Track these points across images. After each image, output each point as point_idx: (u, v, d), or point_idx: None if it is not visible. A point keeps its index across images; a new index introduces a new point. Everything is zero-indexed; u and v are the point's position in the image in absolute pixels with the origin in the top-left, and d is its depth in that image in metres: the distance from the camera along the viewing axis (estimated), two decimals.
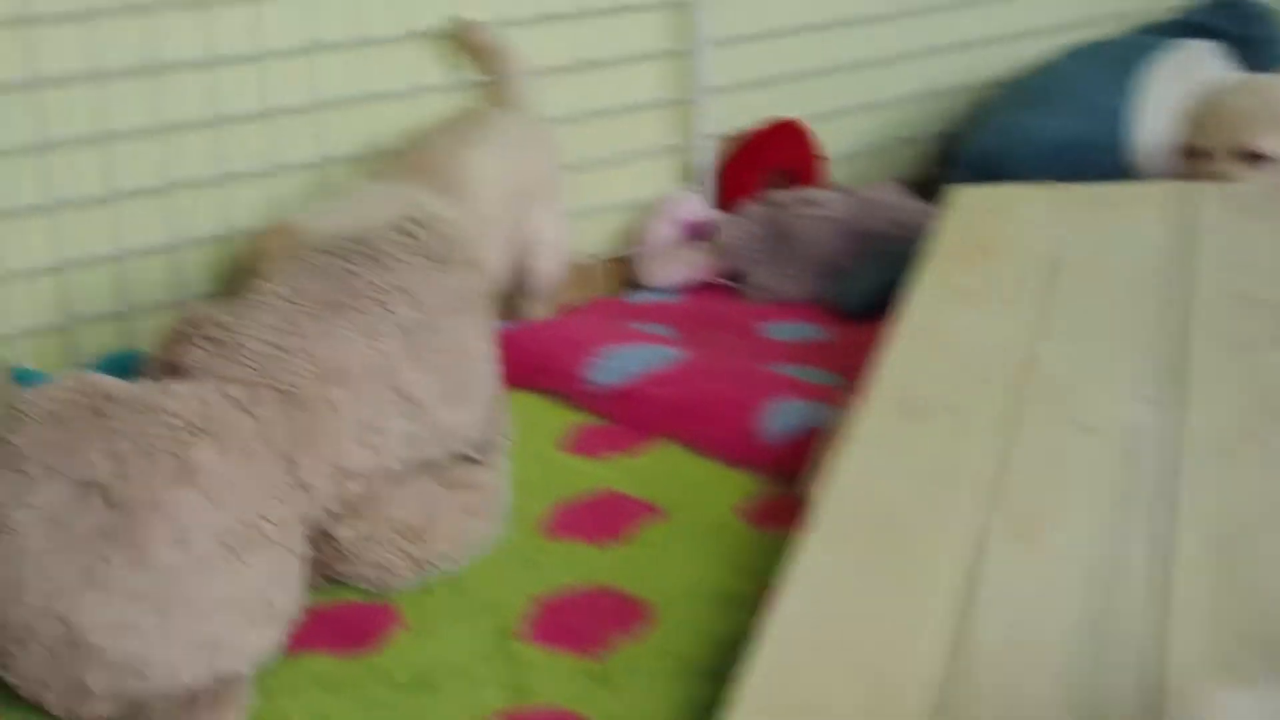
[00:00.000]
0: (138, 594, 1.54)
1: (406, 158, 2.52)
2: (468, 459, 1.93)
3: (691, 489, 2.11)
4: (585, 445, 2.26)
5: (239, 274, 2.34)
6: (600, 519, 2.03)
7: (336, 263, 1.80)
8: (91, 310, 2.37)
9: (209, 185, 2.46)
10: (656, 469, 2.18)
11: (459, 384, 1.83)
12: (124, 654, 1.54)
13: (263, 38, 2.46)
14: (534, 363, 2.43)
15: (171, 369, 1.79)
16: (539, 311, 2.71)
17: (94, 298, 2.38)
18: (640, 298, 2.95)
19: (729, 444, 2.19)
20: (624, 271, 3.07)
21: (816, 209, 2.92)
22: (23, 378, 1.94)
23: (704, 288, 2.95)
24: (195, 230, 2.46)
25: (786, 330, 2.71)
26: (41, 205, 2.30)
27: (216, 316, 1.78)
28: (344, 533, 1.78)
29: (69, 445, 1.58)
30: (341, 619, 1.80)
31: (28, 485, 1.56)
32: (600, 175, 2.98)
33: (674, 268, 2.97)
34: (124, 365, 2.08)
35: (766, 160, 3.12)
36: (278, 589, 1.64)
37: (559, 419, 2.36)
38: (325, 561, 1.80)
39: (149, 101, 2.36)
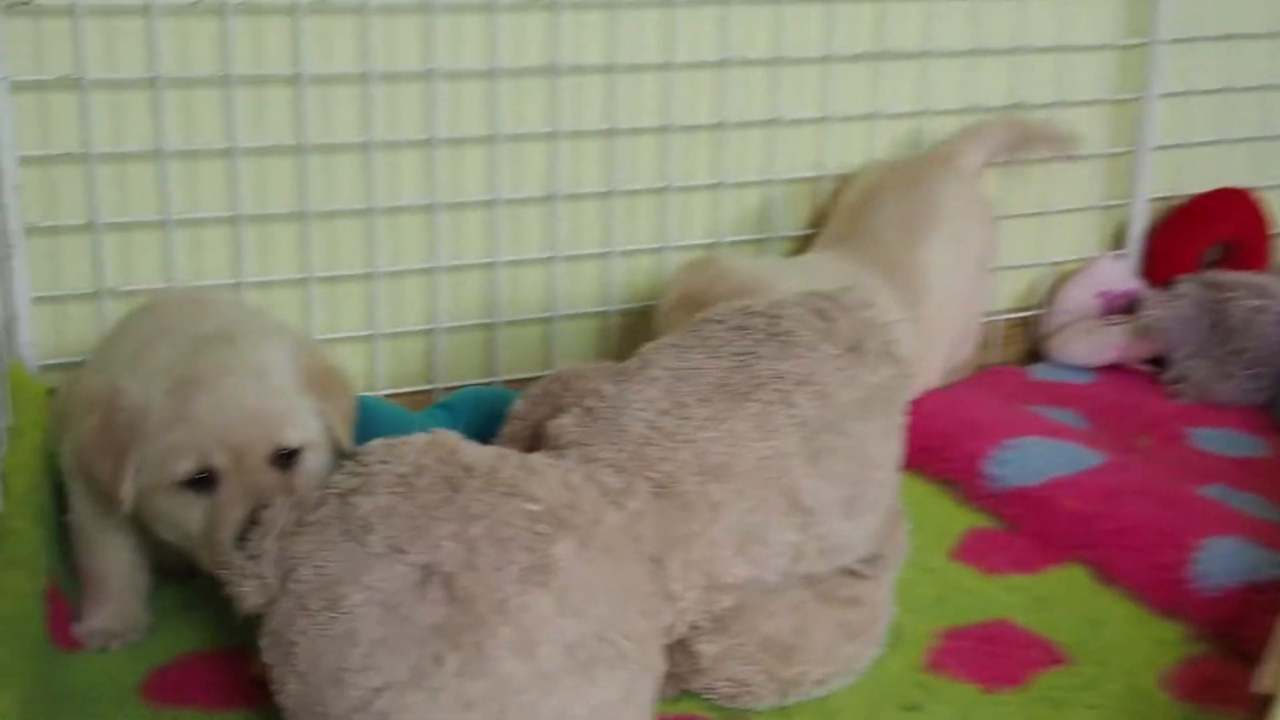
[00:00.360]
0: (469, 703, 1.33)
1: (857, 238, 2.32)
2: (851, 572, 1.65)
3: (1102, 635, 1.78)
4: (980, 555, 1.96)
5: (662, 314, 2.14)
6: (992, 657, 1.72)
7: (737, 340, 1.55)
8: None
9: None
10: (1061, 599, 1.86)
11: (858, 494, 1.56)
12: None
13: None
14: (929, 445, 2.14)
15: (536, 434, 1.57)
16: (942, 381, 2.42)
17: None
18: (1044, 373, 2.62)
19: (1152, 585, 1.85)
20: (1026, 337, 2.75)
21: (1264, 299, 2.52)
22: (372, 414, 1.75)
23: (1119, 371, 2.60)
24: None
25: (1219, 440, 2.33)
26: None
27: (596, 382, 1.55)
28: (705, 647, 1.53)
29: (418, 522, 1.37)
30: None
31: (367, 561, 1.37)
32: (1015, 225, 2.66)
33: (1088, 343, 2.63)
34: (485, 404, 1.89)
35: (1209, 232, 2.74)
36: (626, 711, 1.40)
37: (952, 518, 2.06)
38: (676, 673, 1.55)
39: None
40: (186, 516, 1.60)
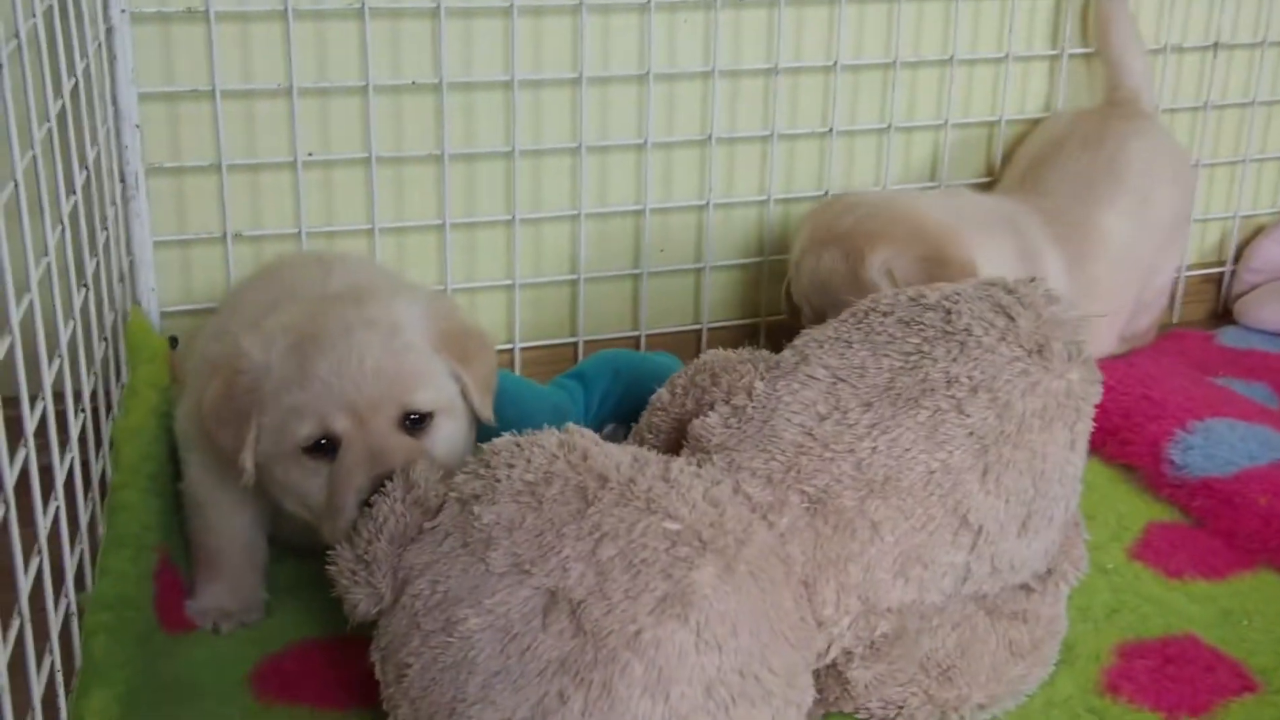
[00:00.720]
0: None
1: (1030, 190, 2.17)
2: (1023, 585, 1.48)
3: None
4: (1162, 555, 1.77)
5: (793, 260, 1.98)
6: (1174, 681, 1.54)
7: (907, 336, 1.37)
8: None
9: None
10: (1252, 612, 1.67)
11: (1035, 511, 1.38)
12: None
13: None
14: (1107, 424, 1.94)
15: (679, 428, 1.42)
16: (1119, 348, 2.22)
17: None
18: (1232, 339, 2.39)
19: None
20: (1213, 296, 2.52)
21: None
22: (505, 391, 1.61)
23: None
24: None
25: None
26: None
27: (747, 377, 1.39)
28: (858, 674, 1.38)
29: (545, 539, 1.24)
30: None
31: (487, 581, 1.23)
32: (1206, 174, 2.44)
33: None
34: (623, 373, 1.73)
35: None
36: None
37: (1132, 509, 1.87)
38: (823, 698, 1.40)
39: None
40: (307, 485, 1.48)
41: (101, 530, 1.56)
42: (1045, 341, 1.37)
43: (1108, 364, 2.09)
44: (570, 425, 1.36)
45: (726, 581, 1.22)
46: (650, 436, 1.45)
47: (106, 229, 1.74)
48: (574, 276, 2.16)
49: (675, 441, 1.42)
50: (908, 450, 1.33)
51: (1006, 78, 2.28)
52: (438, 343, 1.52)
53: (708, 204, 2.19)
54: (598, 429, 1.66)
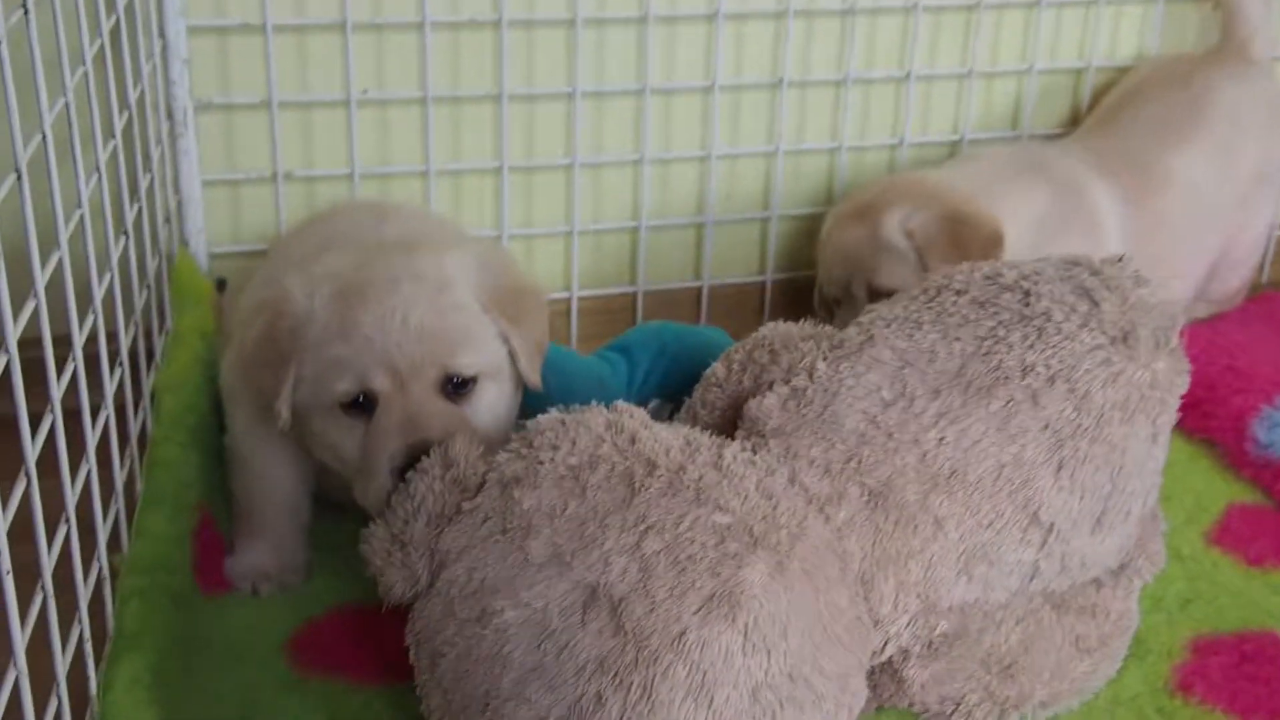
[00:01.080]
0: None
1: (1102, 135, 2.06)
2: (1093, 580, 1.40)
3: None
4: (1243, 541, 1.68)
5: (824, 230, 1.89)
6: (1252, 681, 1.46)
7: (981, 319, 1.28)
8: None
9: None
10: None
11: (1111, 508, 1.29)
12: None
13: None
14: (1188, 396, 1.83)
15: (734, 405, 1.34)
16: (1198, 310, 2.11)
17: None
18: None
19: None
20: None
21: None
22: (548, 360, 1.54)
23: None
24: None
25: None
26: None
27: (809, 355, 1.30)
28: (914, 674, 1.30)
29: (587, 529, 1.17)
30: None
31: (525, 572, 1.17)
32: None
33: None
34: (670, 348, 1.65)
35: None
36: None
37: (1212, 489, 1.77)
38: (879, 695, 1.33)
39: None
40: (343, 442, 1.42)
41: (140, 488, 1.51)
42: (1131, 328, 1.28)
43: (1190, 330, 1.99)
44: (619, 404, 1.28)
45: (778, 580, 1.15)
46: (704, 413, 1.37)
47: (150, 171, 1.68)
48: (635, 224, 2.07)
49: (730, 420, 1.34)
50: (977, 442, 1.24)
51: (1097, 21, 2.16)
52: (488, 301, 1.44)
53: (777, 150, 2.09)
54: (641, 405, 1.58)
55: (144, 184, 1.64)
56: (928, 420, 1.24)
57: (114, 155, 1.49)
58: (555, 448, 1.22)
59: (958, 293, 1.31)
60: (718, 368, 1.38)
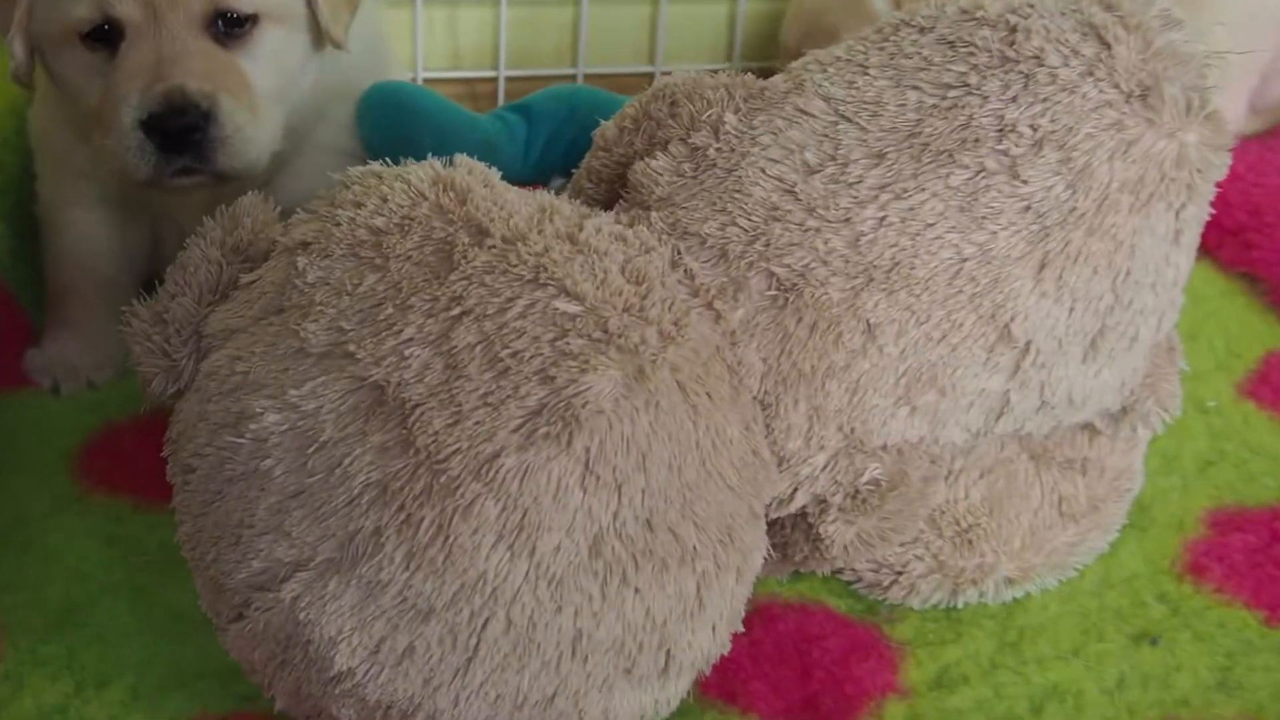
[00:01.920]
0: (424, 612, 0.82)
1: None
2: (1085, 425, 1.07)
3: None
4: None
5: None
6: None
7: (949, 61, 0.94)
8: None
9: None
10: None
11: (1111, 327, 0.96)
12: (381, 694, 0.84)
13: None
14: (1224, 223, 1.49)
15: (621, 170, 1.01)
16: (1249, 125, 1.75)
17: None
18: None
19: None
20: None
21: None
22: (409, 107, 1.21)
23: None
24: None
25: None
26: None
27: (718, 106, 0.97)
28: (835, 531, 0.97)
29: (383, 311, 0.85)
30: (789, 651, 1.03)
31: (299, 364, 0.85)
32: None
33: None
34: (581, 111, 1.31)
35: None
36: (689, 630, 0.88)
37: (1249, 333, 1.44)
38: (790, 556, 1.01)
39: None
40: (82, 84, 1.15)
41: None
42: (1154, 82, 0.93)
43: (1245, 145, 1.63)
44: (461, 157, 0.95)
45: (637, 393, 0.83)
46: (589, 187, 1.04)
47: None
48: None
49: (617, 194, 1.01)
50: (931, 225, 0.91)
51: None
52: None
53: None
54: (542, 181, 1.26)
55: None
56: (865, 192, 0.91)
57: None
58: (359, 205, 0.90)
59: (921, 30, 0.96)
60: (608, 127, 1.04)
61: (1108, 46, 0.93)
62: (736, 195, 0.91)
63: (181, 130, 1.11)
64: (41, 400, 1.24)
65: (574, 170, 1.23)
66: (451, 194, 0.89)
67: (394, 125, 1.27)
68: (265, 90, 1.16)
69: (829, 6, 1.50)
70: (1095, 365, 0.97)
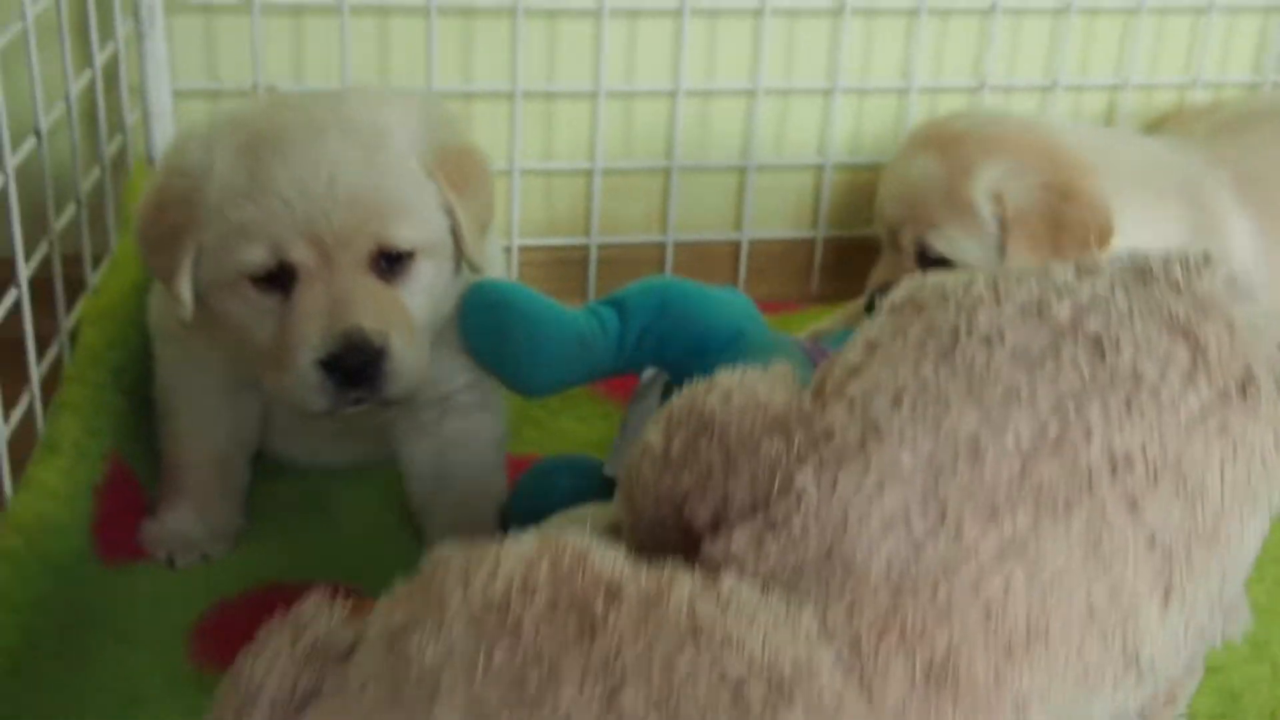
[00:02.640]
0: None
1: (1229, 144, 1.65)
2: None
3: None
4: None
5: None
6: None
7: (1039, 386, 0.89)
8: None
9: None
10: None
11: (1215, 621, 0.94)
12: None
13: None
14: None
15: (673, 503, 0.97)
16: None
17: None
18: None
19: None
20: None
21: None
22: (502, 306, 1.27)
23: None
24: None
25: None
26: None
27: (777, 453, 0.90)
28: None
29: (528, 681, 0.79)
30: None
31: None
32: None
33: None
34: (673, 306, 1.32)
35: None
36: None
37: None
38: None
39: None
40: (253, 325, 1.16)
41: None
42: (1248, 374, 0.90)
43: None
44: (556, 521, 0.94)
45: None
46: (639, 494, 0.96)
47: (93, 69, 1.49)
48: (667, 164, 1.76)
49: (662, 519, 0.95)
50: (1059, 579, 0.87)
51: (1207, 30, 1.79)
52: (432, 162, 1.17)
53: (836, 87, 1.76)
54: (634, 371, 1.28)
55: (75, 86, 1.42)
56: (987, 558, 0.87)
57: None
58: (466, 580, 0.87)
59: (986, 341, 0.91)
60: (654, 437, 0.96)
61: (1198, 341, 0.89)
62: (849, 575, 0.87)
63: (360, 366, 1.13)
64: (157, 573, 1.26)
65: (661, 361, 1.25)
66: (568, 555, 0.83)
67: (491, 323, 1.28)
68: (420, 319, 1.20)
69: (927, 197, 1.48)
70: (1188, 647, 0.95)
